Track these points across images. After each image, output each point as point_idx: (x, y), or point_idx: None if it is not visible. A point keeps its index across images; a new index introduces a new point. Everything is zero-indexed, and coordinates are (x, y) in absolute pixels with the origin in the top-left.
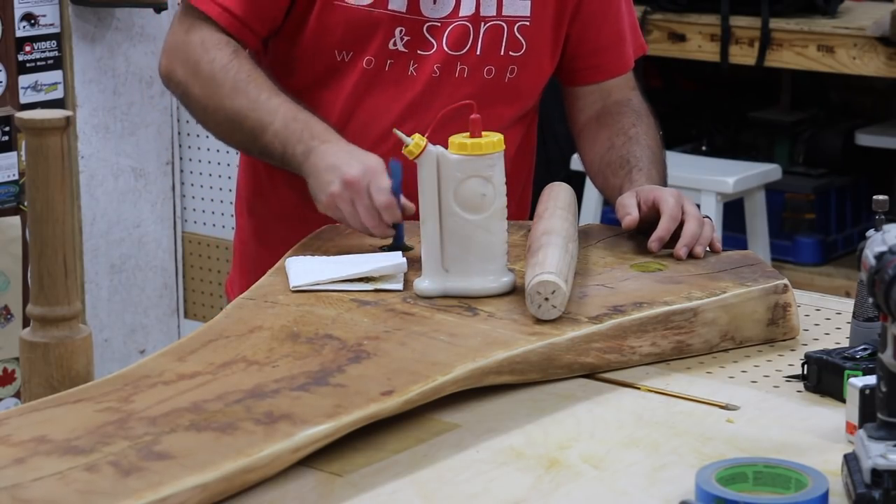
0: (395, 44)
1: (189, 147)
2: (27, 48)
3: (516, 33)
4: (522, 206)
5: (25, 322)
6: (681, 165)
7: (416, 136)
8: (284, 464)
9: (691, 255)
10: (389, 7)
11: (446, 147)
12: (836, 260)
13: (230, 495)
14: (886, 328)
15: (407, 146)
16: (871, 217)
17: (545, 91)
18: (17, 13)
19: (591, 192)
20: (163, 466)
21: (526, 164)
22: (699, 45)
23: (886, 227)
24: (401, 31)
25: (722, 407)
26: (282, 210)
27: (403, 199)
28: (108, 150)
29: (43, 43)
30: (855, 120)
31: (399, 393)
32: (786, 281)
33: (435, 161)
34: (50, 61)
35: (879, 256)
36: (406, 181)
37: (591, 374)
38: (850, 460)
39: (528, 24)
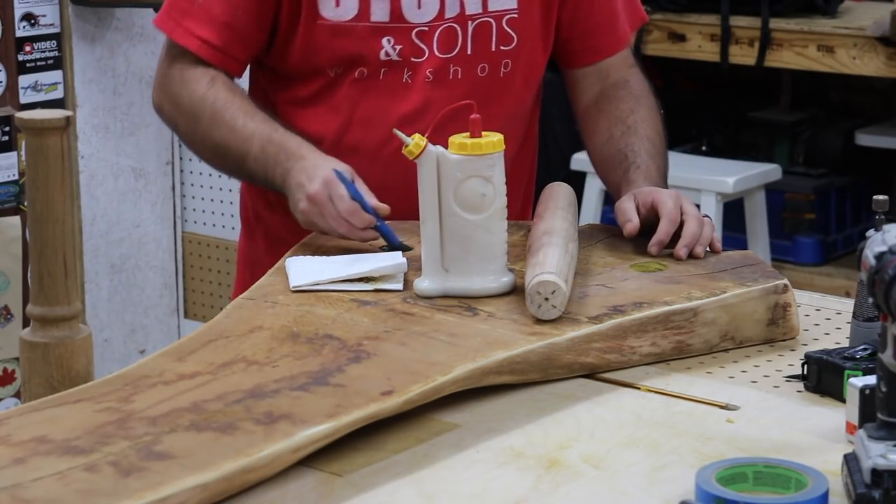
0: (386, 54)
1: None
2: (27, 48)
3: (505, 27)
4: (525, 205)
5: (25, 322)
6: (681, 165)
7: (416, 136)
8: (284, 464)
9: (691, 255)
10: (372, 19)
11: (446, 147)
12: (836, 260)
13: (230, 495)
14: (886, 328)
15: (407, 146)
16: (871, 217)
17: (545, 91)
18: (17, 13)
19: (591, 192)
20: (163, 466)
21: (528, 162)
22: (699, 45)
23: (886, 227)
24: (389, 40)
25: (722, 407)
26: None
27: (374, 201)
28: (108, 150)
29: (43, 43)
30: (855, 120)
31: (399, 393)
32: (786, 281)
33: (435, 161)
34: (50, 61)
35: (879, 256)
36: (398, 182)
37: (591, 374)
38: (850, 460)
39: (515, 16)
